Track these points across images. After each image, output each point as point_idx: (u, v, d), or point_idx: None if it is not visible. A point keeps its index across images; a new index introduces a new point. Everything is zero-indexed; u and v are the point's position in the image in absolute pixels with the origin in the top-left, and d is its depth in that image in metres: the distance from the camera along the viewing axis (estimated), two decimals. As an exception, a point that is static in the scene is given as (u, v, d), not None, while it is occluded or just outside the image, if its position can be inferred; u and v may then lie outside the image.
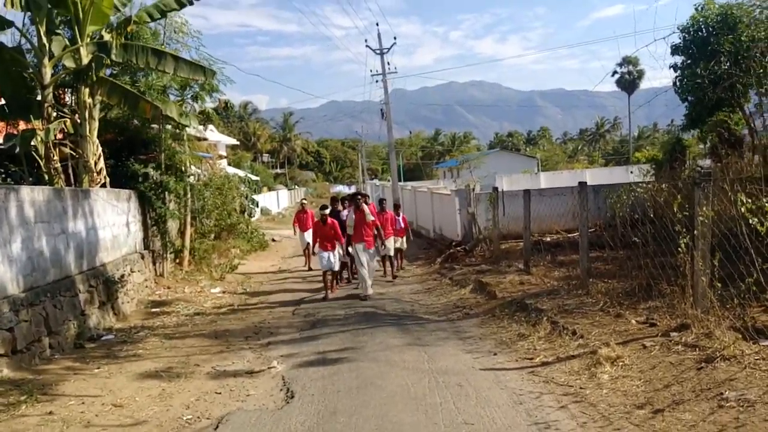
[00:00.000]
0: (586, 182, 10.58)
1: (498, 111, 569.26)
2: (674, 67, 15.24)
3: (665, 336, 6.42)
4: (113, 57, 11.26)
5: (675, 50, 14.96)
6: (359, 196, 13.50)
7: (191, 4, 12.68)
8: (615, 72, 72.86)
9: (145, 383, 7.08)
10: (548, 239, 14.88)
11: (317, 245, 13.34)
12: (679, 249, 6.60)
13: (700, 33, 14.40)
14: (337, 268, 13.32)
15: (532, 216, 13.20)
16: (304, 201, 20.54)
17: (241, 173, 29.75)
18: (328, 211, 13.48)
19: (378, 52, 30.53)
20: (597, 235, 11.47)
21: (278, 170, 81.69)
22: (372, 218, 12.83)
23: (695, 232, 6.47)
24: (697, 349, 5.84)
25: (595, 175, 33.45)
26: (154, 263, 14.20)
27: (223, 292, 13.91)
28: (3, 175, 11.29)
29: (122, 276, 11.39)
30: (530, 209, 13.09)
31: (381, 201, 15.98)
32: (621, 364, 5.98)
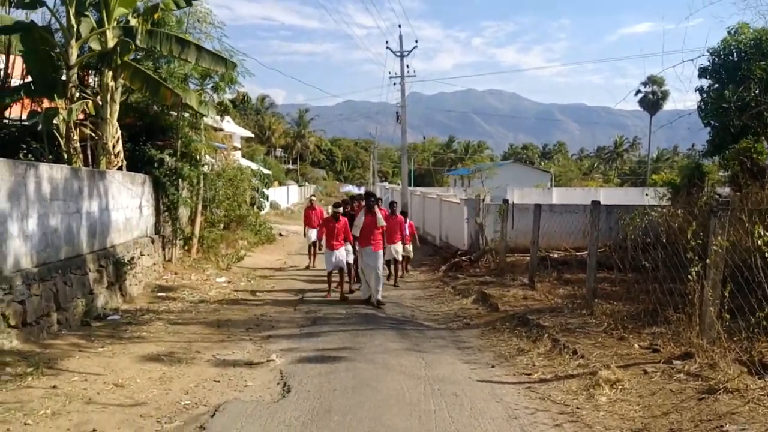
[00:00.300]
0: (599, 201, 10.56)
1: (515, 122, 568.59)
2: (700, 90, 15.06)
3: (668, 363, 6.40)
4: (138, 42, 11.34)
5: (703, 73, 14.77)
6: (372, 198, 12.55)
7: None
8: (639, 91, 71.98)
9: (146, 365, 7.17)
10: (555, 256, 14.86)
11: (324, 243, 12.92)
12: (690, 277, 6.56)
13: (731, 57, 14.18)
14: (344, 266, 12.70)
15: (541, 231, 13.15)
16: (313, 197, 20.19)
17: (254, 166, 29.86)
18: (341, 210, 12.95)
19: (398, 54, 30.56)
20: (606, 255, 11.43)
21: (290, 166, 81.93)
22: (383, 223, 12.13)
23: (708, 261, 6.43)
24: (699, 379, 5.81)
25: (609, 195, 33.33)
26: (163, 248, 14.31)
27: (228, 282, 13.99)
28: (24, 151, 11.42)
29: (132, 258, 11.48)
30: (540, 224, 13.06)
31: (392, 204, 15.75)
32: (620, 387, 5.96)
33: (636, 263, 9.10)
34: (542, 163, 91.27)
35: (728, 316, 6.24)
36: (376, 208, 12.24)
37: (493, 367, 7.30)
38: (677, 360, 6.42)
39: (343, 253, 12.56)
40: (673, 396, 5.59)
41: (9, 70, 12.33)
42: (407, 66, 30.87)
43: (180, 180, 14.63)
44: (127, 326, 9.21)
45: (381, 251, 12.15)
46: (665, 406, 5.43)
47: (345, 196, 16.64)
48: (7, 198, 7.51)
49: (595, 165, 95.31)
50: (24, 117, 12.70)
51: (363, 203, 13.12)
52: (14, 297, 7.32)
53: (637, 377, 6.21)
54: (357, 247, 12.48)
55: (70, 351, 7.53)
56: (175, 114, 14.75)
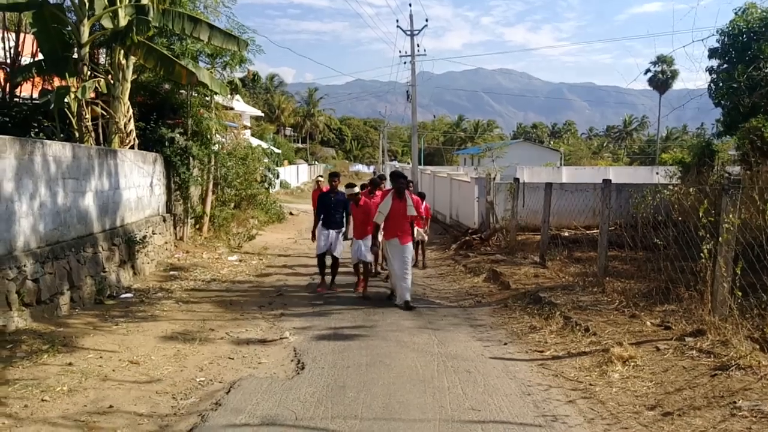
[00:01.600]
0: (610, 180, 10.51)
1: (524, 101, 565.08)
2: (710, 70, 15.04)
3: (680, 340, 6.40)
4: (152, 21, 11.29)
5: (713, 54, 14.76)
6: (402, 180, 10.00)
7: None
8: (648, 70, 71.69)
9: (161, 343, 7.25)
10: (566, 234, 14.84)
11: (350, 231, 11.18)
12: (702, 254, 6.57)
13: (740, 37, 14.20)
14: (369, 258, 10.73)
15: (552, 210, 13.11)
16: (320, 178, 17.41)
17: (264, 145, 29.85)
18: (357, 190, 11.19)
19: (408, 33, 30.33)
20: (617, 234, 11.40)
21: (300, 145, 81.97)
22: (414, 212, 9.91)
23: (720, 238, 6.43)
24: (711, 356, 5.82)
25: (619, 174, 33.16)
26: (174, 227, 14.40)
27: (240, 261, 14.06)
28: (35, 130, 11.45)
29: (144, 237, 11.55)
30: (551, 203, 13.02)
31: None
32: (633, 364, 5.98)
33: (647, 241, 9.08)
34: (552, 143, 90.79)
35: (740, 293, 6.24)
36: (407, 193, 10.02)
37: (505, 344, 7.32)
38: (689, 337, 6.42)
39: (367, 243, 10.61)
40: (686, 372, 5.60)
41: (19, 48, 12.31)
42: (418, 45, 30.66)
43: (191, 159, 14.67)
44: (140, 304, 9.30)
45: (410, 245, 10.10)
46: (678, 382, 5.44)
47: (353, 176, 14.85)
48: (18, 177, 7.54)
49: (605, 144, 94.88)
50: (35, 95, 12.72)
51: (388, 186, 11.29)
52: (27, 275, 7.39)
53: (649, 354, 6.22)
54: (379, 239, 10.13)
55: (84, 329, 7.61)
56: (186, 93, 14.74)
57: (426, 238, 13.81)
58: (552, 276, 11.07)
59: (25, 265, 7.35)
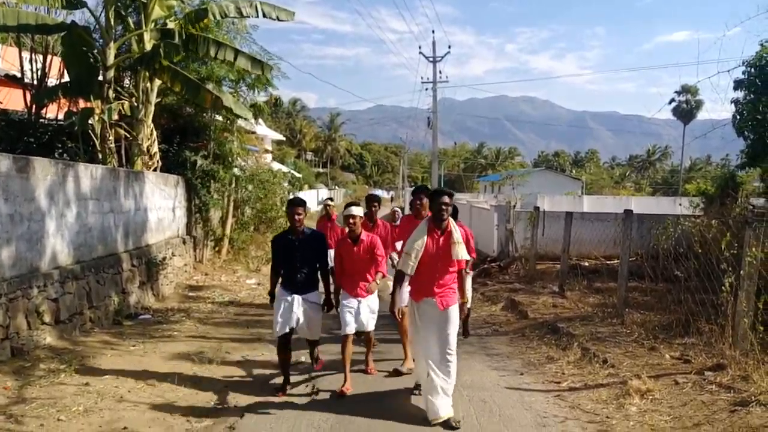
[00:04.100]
0: (631, 210, 10.43)
1: (547, 129, 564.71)
2: (736, 102, 14.91)
3: (699, 374, 6.31)
4: (180, 46, 11.48)
5: (738, 85, 14.63)
6: (445, 198, 5.75)
7: (278, 20, 12.77)
8: (672, 100, 71.61)
9: (177, 365, 7.27)
10: (586, 264, 14.69)
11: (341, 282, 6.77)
12: (723, 288, 6.49)
13: (766, 69, 14.06)
14: (370, 328, 6.82)
15: (572, 239, 13.02)
16: (329, 203, 10.62)
17: (284, 169, 30.08)
18: (356, 211, 6.71)
19: (431, 59, 30.67)
20: (637, 264, 11.27)
21: (320, 169, 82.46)
22: (467, 256, 6.07)
23: (741, 272, 6.36)
24: (731, 391, 5.72)
25: (641, 204, 32.82)
26: (194, 249, 14.51)
27: (258, 284, 14.09)
28: (59, 151, 11.65)
29: (164, 258, 11.65)
30: (571, 232, 12.94)
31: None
32: (651, 397, 5.89)
33: (668, 273, 8.98)
34: (573, 171, 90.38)
35: (762, 328, 6.18)
36: (451, 221, 5.83)
37: (522, 374, 7.25)
38: (709, 371, 6.32)
39: (373, 304, 6.80)
40: (705, 407, 5.50)
41: (46, 70, 12.58)
42: (440, 71, 31.00)
43: (212, 182, 14.83)
44: (158, 325, 9.35)
45: (454, 309, 5.90)
46: (696, 417, 5.35)
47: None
48: (45, 196, 7.69)
49: (627, 174, 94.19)
50: (60, 117, 12.95)
51: (422, 205, 7.11)
52: (48, 294, 7.49)
53: (668, 388, 6.12)
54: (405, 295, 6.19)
55: (102, 349, 7.67)
56: (209, 116, 14.95)
57: (469, 299, 7.07)
58: (571, 306, 10.95)
59: (46, 285, 7.45)
